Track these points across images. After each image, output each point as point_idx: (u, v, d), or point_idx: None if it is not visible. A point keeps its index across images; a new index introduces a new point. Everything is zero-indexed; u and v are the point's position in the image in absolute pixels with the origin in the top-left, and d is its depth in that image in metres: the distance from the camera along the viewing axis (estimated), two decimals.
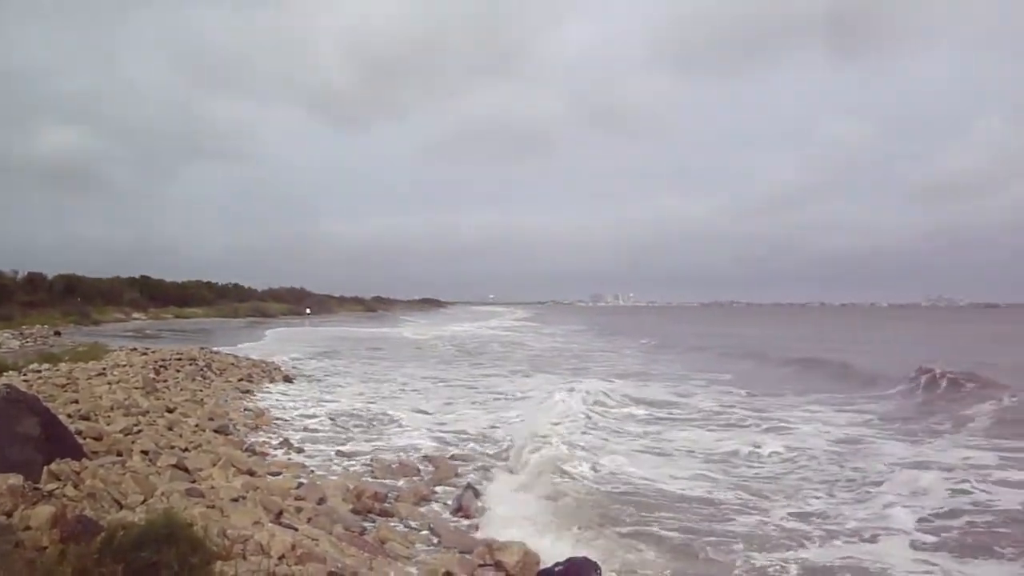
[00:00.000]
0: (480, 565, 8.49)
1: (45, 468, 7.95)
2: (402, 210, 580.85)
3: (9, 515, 6.12)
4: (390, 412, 19.42)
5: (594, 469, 12.88)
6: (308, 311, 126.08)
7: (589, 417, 18.15)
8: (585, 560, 7.54)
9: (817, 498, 11.52)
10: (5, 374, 18.09)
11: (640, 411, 20.15)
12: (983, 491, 11.59)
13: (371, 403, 21.25)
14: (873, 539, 9.55)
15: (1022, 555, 8.98)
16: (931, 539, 9.56)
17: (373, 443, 15.62)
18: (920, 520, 10.24)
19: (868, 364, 33.15)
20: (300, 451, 14.38)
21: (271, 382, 25.25)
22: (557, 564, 7.70)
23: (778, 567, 8.58)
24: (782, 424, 18.21)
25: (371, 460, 13.87)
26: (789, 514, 10.64)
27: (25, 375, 18.23)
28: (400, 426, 17.72)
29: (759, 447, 15.18)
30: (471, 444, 15.95)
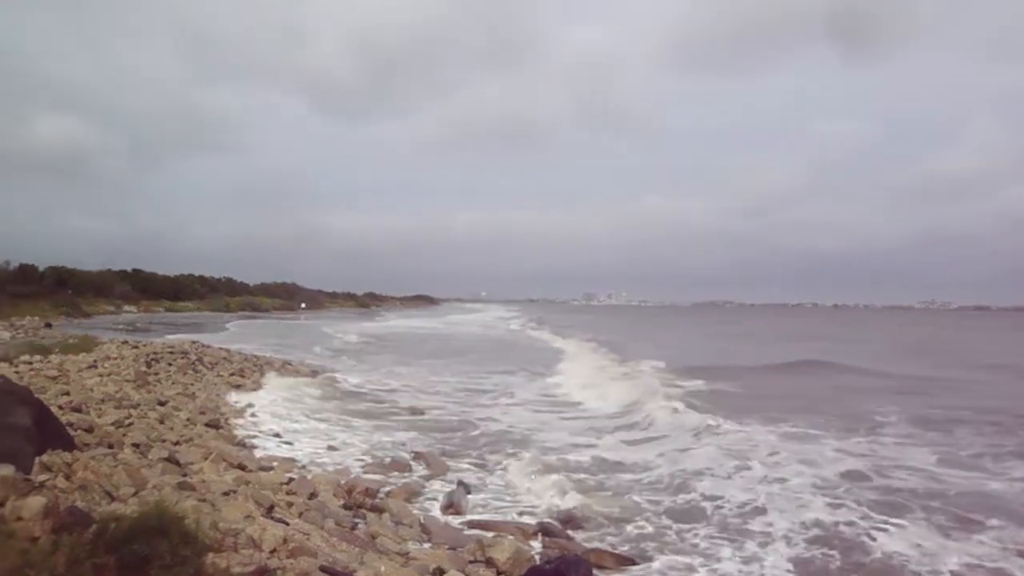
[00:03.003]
0: (471, 561, 8.50)
1: (36, 459, 7.93)
2: (397, 205, 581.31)
3: (1, 505, 6.10)
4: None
5: None
6: (303, 306, 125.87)
7: None
8: (576, 558, 7.56)
9: None
10: None
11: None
12: None
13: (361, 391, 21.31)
14: None
15: None
16: None
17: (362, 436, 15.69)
18: None
19: None
20: (291, 445, 14.37)
21: (263, 376, 25.18)
22: (548, 561, 7.71)
23: None
24: None
25: (363, 455, 13.88)
26: None
27: (16, 367, 18.18)
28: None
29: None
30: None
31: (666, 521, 10.69)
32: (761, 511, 10.94)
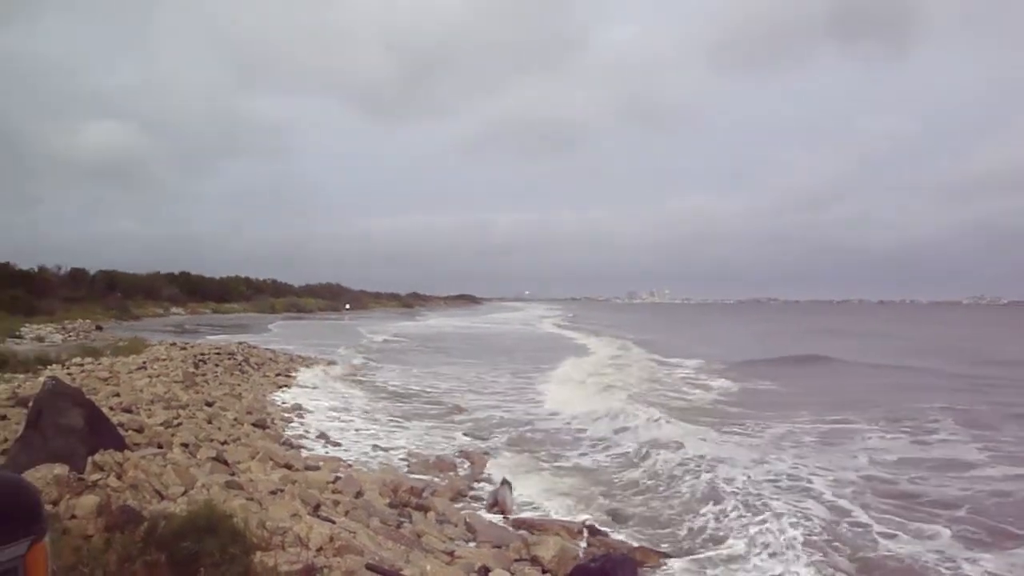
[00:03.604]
0: (516, 560, 8.48)
1: (89, 459, 8.07)
2: (440, 206, 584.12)
3: (55, 504, 6.22)
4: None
5: None
6: (347, 306, 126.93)
7: None
8: (623, 556, 7.51)
9: None
10: (49, 367, 18.46)
11: None
12: None
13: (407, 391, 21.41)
14: None
15: None
16: None
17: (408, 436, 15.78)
18: None
19: None
20: (337, 445, 14.47)
21: (307, 376, 25.41)
22: (593, 560, 7.67)
23: None
24: None
25: (408, 455, 13.94)
26: None
27: (68, 368, 18.56)
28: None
29: None
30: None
31: (699, 522, 10.58)
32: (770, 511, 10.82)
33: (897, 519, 10.63)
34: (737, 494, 11.40)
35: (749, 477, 12.53)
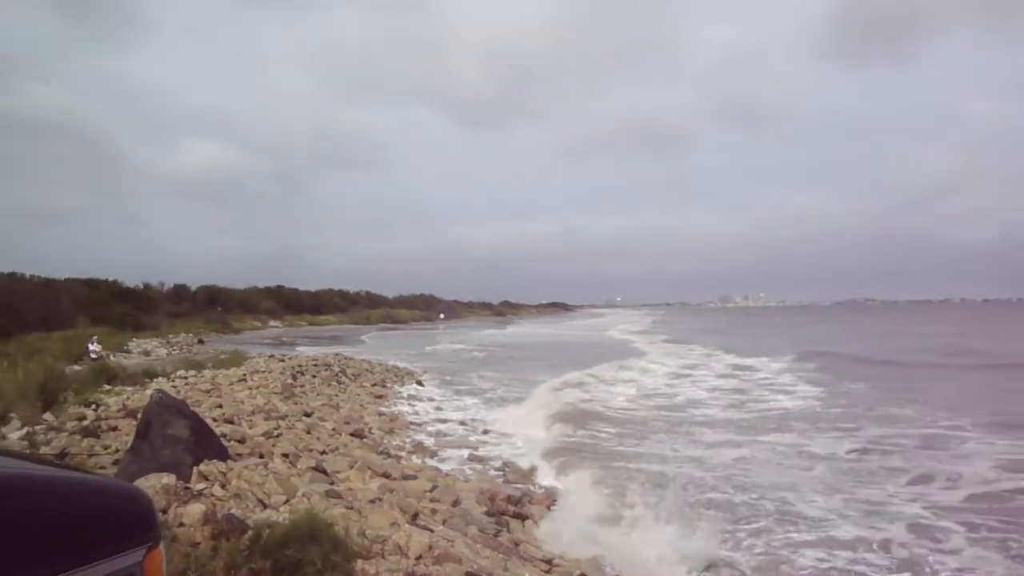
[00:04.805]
0: None
1: (194, 468, 8.30)
2: (534, 213, 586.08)
3: (163, 512, 6.37)
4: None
5: None
6: (442, 316, 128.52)
7: None
8: None
9: None
10: (155, 380, 19.14)
11: None
12: None
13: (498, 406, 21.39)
14: None
15: None
16: None
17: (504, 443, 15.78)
18: None
19: None
20: (434, 455, 14.54)
21: (403, 386, 25.70)
22: None
23: None
24: None
25: (504, 464, 13.90)
26: None
27: (173, 381, 19.20)
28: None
29: None
30: None
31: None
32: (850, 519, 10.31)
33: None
34: None
35: None
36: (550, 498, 11.44)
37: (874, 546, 9.22)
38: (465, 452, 14.93)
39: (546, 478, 13.00)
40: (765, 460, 14.12)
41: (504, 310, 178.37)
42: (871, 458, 14.18)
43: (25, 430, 11.47)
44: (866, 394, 23.47)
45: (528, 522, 10.09)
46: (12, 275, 62.03)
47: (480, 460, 14.34)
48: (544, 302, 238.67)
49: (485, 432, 17.48)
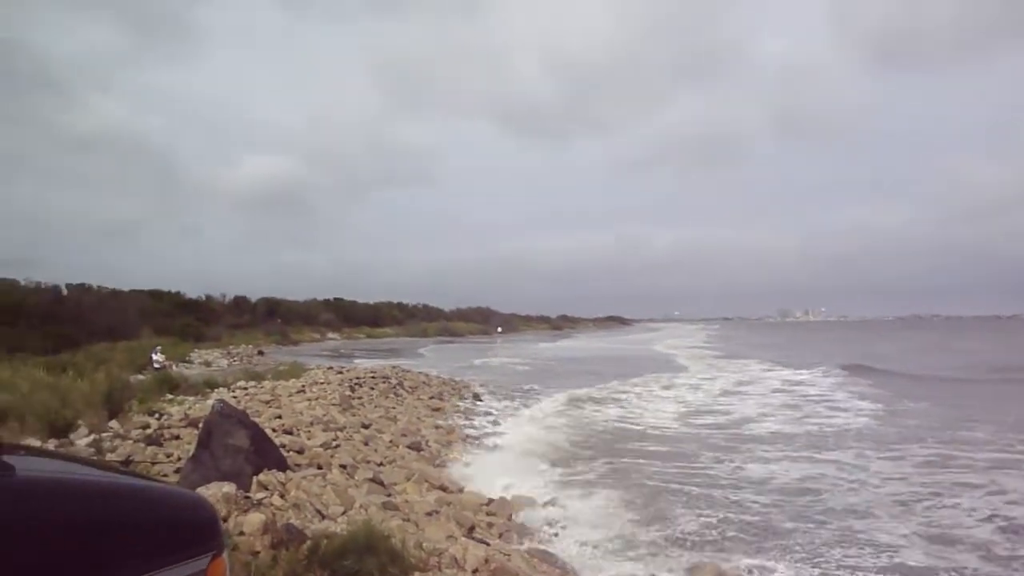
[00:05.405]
0: None
1: (254, 478, 8.41)
2: (593, 226, 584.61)
3: (224, 520, 6.46)
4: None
5: None
6: (499, 330, 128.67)
7: None
8: None
9: None
10: (216, 390, 19.50)
11: None
12: None
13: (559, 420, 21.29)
14: None
15: None
16: None
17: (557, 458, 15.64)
18: None
19: None
20: (489, 468, 14.50)
21: (460, 400, 25.73)
22: None
23: None
24: None
25: (559, 477, 13.81)
26: None
27: (234, 392, 19.53)
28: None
29: None
30: None
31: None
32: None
33: None
34: None
35: None
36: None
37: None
38: (521, 463, 14.87)
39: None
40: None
41: (561, 324, 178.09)
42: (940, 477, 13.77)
43: (92, 437, 11.79)
44: (931, 412, 22.83)
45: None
46: (81, 286, 64.02)
47: (536, 472, 14.26)
48: (601, 316, 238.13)
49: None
